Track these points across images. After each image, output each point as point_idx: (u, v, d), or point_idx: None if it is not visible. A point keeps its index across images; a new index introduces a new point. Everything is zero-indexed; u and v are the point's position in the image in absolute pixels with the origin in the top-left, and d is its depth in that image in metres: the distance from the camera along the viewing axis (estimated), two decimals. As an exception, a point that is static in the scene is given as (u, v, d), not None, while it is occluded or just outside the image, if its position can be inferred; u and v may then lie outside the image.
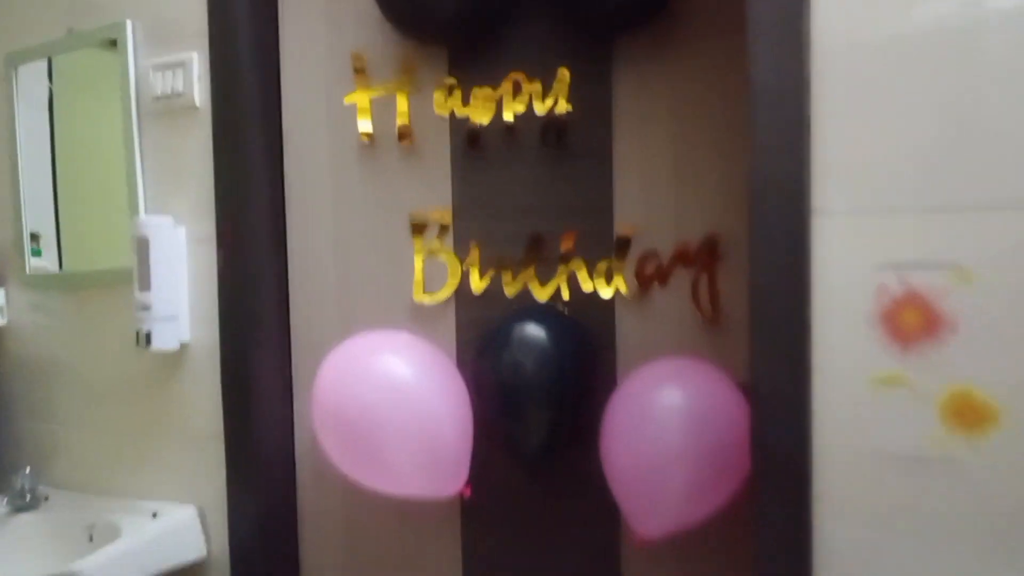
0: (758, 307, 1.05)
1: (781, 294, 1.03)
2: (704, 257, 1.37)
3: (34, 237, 1.80)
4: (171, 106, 1.55)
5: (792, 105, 1.02)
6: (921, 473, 0.97)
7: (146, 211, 1.59)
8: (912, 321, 0.96)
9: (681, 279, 1.38)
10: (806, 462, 1.02)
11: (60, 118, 1.77)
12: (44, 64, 1.75)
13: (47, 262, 1.79)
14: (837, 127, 1.00)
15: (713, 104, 1.34)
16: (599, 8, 1.39)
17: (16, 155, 1.78)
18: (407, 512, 1.53)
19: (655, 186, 1.39)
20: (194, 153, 1.53)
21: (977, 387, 0.94)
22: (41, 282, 1.79)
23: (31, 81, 1.77)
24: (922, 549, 0.98)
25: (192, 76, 1.52)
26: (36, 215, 1.79)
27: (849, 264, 1.00)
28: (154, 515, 1.58)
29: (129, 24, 1.59)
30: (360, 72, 1.52)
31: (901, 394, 0.97)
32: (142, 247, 1.51)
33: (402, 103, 1.51)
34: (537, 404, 1.39)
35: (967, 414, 0.95)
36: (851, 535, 1.01)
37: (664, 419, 1.28)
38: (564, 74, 1.42)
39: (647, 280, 1.40)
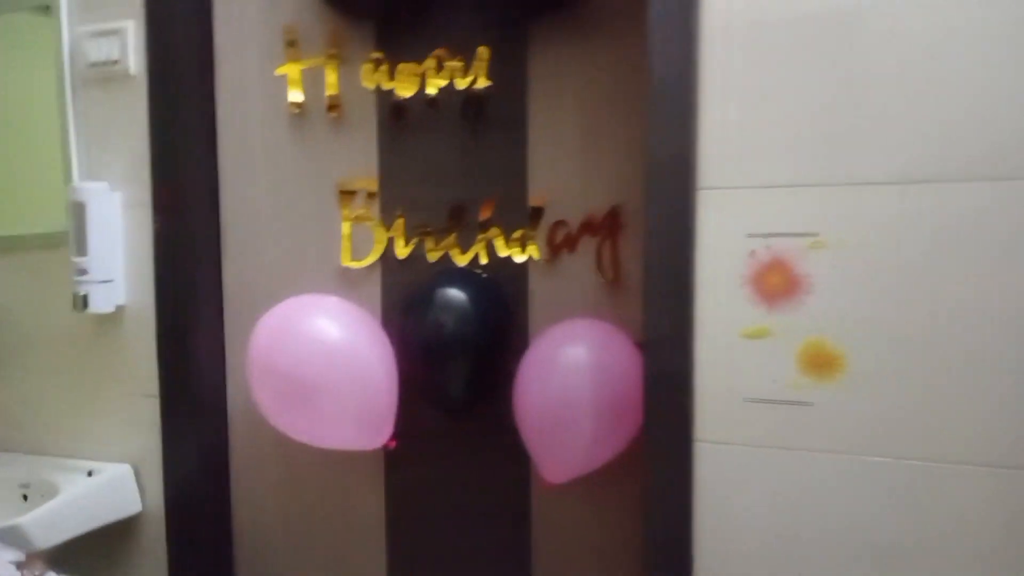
0: (650, 270, 1.19)
1: (670, 259, 1.17)
2: (608, 226, 1.50)
3: (-38, 200, 1.82)
4: (106, 73, 1.60)
5: (682, 93, 1.15)
6: (782, 411, 1.13)
7: (80, 177, 1.64)
8: (776, 282, 1.12)
9: (588, 246, 1.51)
10: (688, 402, 1.17)
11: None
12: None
13: (-24, 225, 1.82)
14: (720, 112, 1.14)
15: (618, 86, 1.47)
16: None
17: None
18: (336, 462, 1.64)
19: (565, 160, 1.52)
20: (129, 120, 1.59)
21: (828, 339, 1.10)
22: (-28, 244, 1.81)
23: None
24: (784, 475, 1.14)
25: (127, 44, 1.57)
26: (-36, 178, 1.81)
27: (726, 233, 1.14)
28: (89, 473, 1.64)
29: (62, -7, 1.63)
30: (292, 45, 1.60)
31: (765, 345, 1.13)
32: (78, 212, 1.56)
33: (331, 75, 1.59)
34: (457, 359, 1.51)
35: (819, 362, 1.11)
36: (725, 464, 1.17)
37: (569, 375, 1.41)
38: (483, 52, 1.52)
39: (557, 247, 1.53)
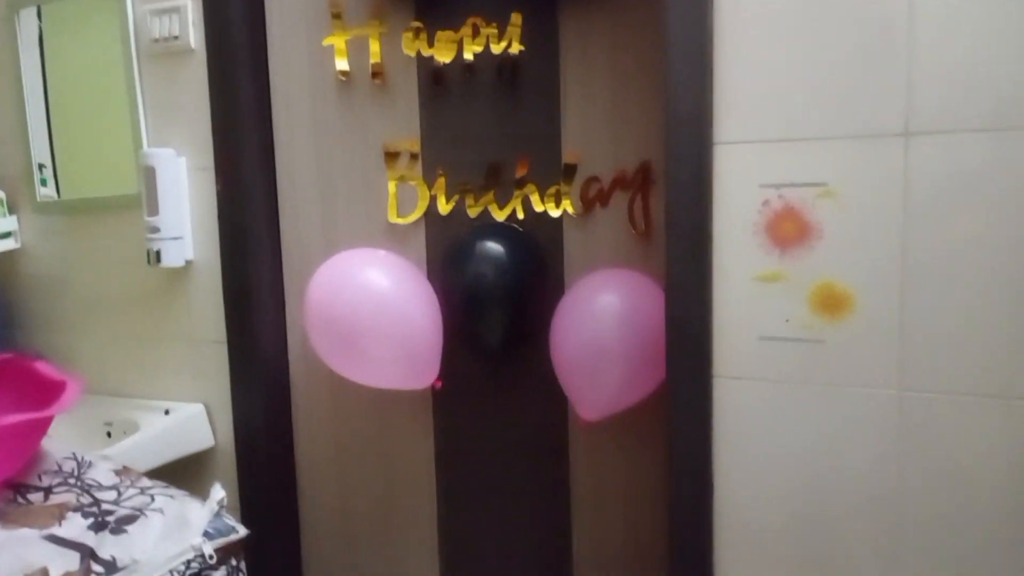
0: (671, 220, 1.29)
1: (689, 210, 1.27)
2: (638, 181, 1.59)
3: (41, 167, 1.97)
4: (168, 48, 1.73)
5: (698, 52, 1.23)
6: (795, 348, 1.23)
7: (149, 144, 1.79)
8: (789, 229, 1.21)
9: (619, 200, 1.61)
10: (708, 342, 1.28)
11: (52, 57, 1.92)
12: (35, 6, 1.90)
13: (51, 190, 1.97)
14: (734, 71, 1.22)
15: (646, 48, 1.55)
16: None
17: (22, 93, 1.94)
18: (387, 402, 1.79)
19: (597, 119, 1.61)
20: (191, 91, 1.72)
21: (838, 281, 1.20)
22: (50, 207, 1.97)
23: (30, 23, 1.93)
24: (797, 408, 1.25)
25: (187, 21, 1.70)
26: (39, 147, 1.96)
27: (741, 184, 1.23)
28: (166, 412, 1.81)
29: (126, -27, 1.75)
30: (337, 17, 1.70)
31: (779, 288, 1.23)
32: (149, 176, 1.71)
33: (374, 44, 1.70)
34: (496, 307, 1.63)
35: (830, 302, 1.20)
36: (741, 399, 1.27)
37: (601, 320, 1.52)
38: (516, 18, 1.61)
39: (590, 202, 1.63)
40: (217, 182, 1.72)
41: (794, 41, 1.18)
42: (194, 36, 1.70)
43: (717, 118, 1.24)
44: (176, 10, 1.70)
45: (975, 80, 1.09)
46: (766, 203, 1.22)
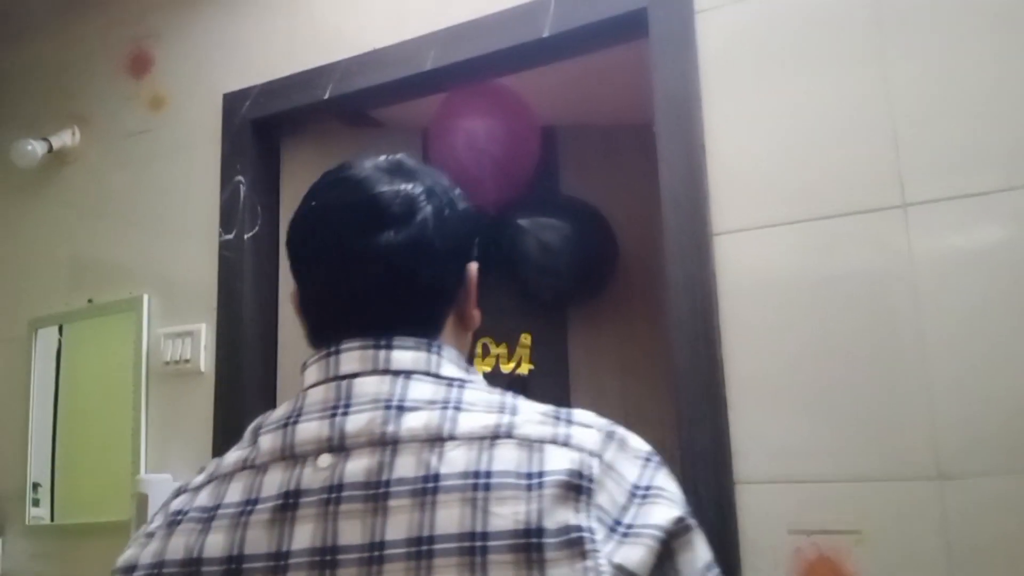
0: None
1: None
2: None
3: (36, 487, 1.91)
4: (179, 371, 1.74)
5: (706, 373, 1.21)
6: None
7: (147, 469, 1.73)
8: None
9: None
10: None
11: (66, 374, 1.94)
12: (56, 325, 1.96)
13: (43, 511, 1.89)
14: (751, 411, 1.19)
15: (654, 370, 1.54)
16: (553, 288, 1.63)
17: (29, 410, 1.93)
18: None
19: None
20: (196, 414, 1.70)
21: None
22: (38, 531, 1.88)
23: (48, 339, 1.97)
24: None
25: (199, 344, 1.72)
26: (37, 466, 1.92)
27: (767, 528, 1.15)
28: None
29: (146, 298, 1.81)
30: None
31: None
32: (141, 503, 1.63)
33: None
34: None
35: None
36: None
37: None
38: (526, 339, 1.63)
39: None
40: (213, 509, 1.64)
41: (811, 388, 1.16)
42: (204, 359, 1.72)
43: (734, 447, 1.18)
44: (190, 334, 1.73)
45: (1002, 419, 1.05)
46: (798, 551, 1.12)
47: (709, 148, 1.26)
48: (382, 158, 0.80)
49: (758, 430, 1.18)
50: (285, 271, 1.80)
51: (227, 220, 1.74)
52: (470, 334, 0.83)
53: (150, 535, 0.72)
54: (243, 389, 1.67)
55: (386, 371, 0.71)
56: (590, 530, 0.60)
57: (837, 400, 1.14)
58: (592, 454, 0.65)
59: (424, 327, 0.75)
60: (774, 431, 1.17)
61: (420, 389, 0.70)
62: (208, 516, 0.69)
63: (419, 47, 1.55)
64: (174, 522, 0.71)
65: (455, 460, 0.64)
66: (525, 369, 1.61)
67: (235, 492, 0.69)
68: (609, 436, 0.68)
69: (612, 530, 0.61)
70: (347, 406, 0.69)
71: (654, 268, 1.72)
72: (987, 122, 1.10)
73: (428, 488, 0.63)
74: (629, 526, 0.62)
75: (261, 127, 1.77)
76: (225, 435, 1.65)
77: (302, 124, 1.85)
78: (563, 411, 0.71)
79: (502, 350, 1.62)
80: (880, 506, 1.09)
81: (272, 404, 1.73)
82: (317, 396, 0.71)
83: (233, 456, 0.74)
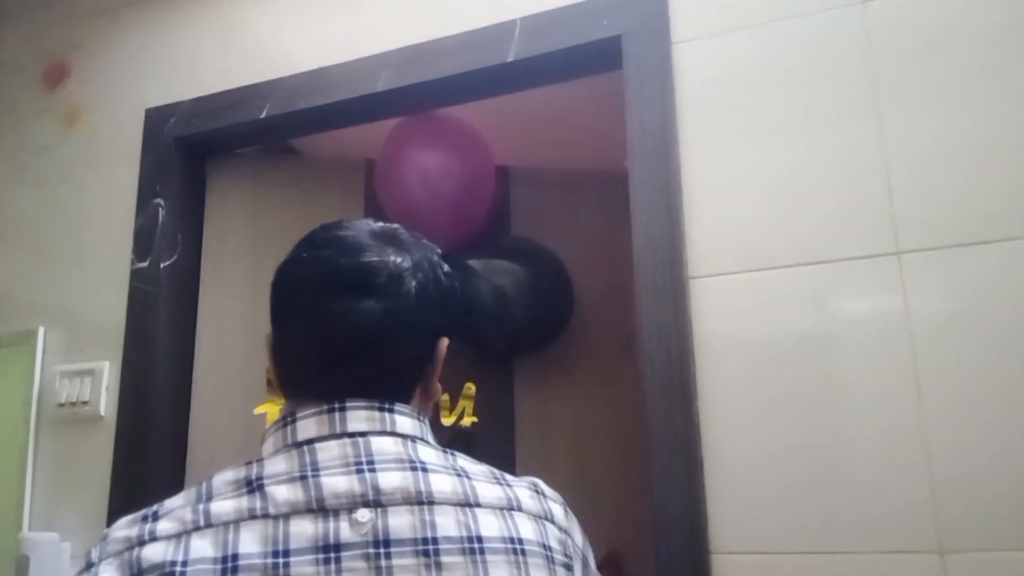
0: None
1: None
2: (608, 572, 1.38)
3: None
4: (75, 414, 1.52)
5: (683, 444, 1.10)
6: None
7: (30, 526, 1.50)
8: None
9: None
10: None
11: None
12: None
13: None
14: (723, 467, 1.08)
15: (608, 420, 1.43)
16: (503, 336, 1.51)
17: None
18: None
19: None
20: (92, 464, 1.49)
21: None
22: None
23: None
24: None
25: (101, 385, 1.51)
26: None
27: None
28: None
29: (41, 330, 1.60)
30: (272, 383, 1.55)
31: None
32: (21, 567, 1.41)
33: (312, 413, 1.54)
34: None
35: None
36: None
37: None
38: (470, 388, 1.50)
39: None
40: (106, 575, 1.42)
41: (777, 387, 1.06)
42: (106, 401, 1.51)
43: (711, 518, 1.07)
44: (90, 373, 1.53)
45: (1005, 488, 0.97)
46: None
47: (686, 187, 1.17)
48: (378, 224, 0.83)
49: (737, 495, 1.07)
50: (206, 306, 1.64)
51: (142, 247, 1.56)
52: (431, 403, 0.86)
53: None
54: (149, 437, 1.46)
55: (394, 433, 0.75)
56: None
57: (826, 463, 1.04)
58: (564, 531, 0.80)
59: (397, 395, 0.78)
60: (754, 496, 1.06)
61: (427, 453, 0.76)
62: (226, 567, 0.68)
63: (370, 67, 1.43)
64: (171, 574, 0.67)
65: (490, 525, 0.74)
66: (468, 421, 1.48)
67: (251, 542, 0.69)
68: (566, 511, 0.82)
69: None
70: (371, 463, 0.73)
71: (611, 320, 1.62)
72: (984, 170, 1.04)
73: (476, 548, 0.72)
74: None
75: (186, 147, 1.61)
76: (126, 489, 1.45)
77: (233, 147, 1.69)
78: (537, 484, 0.82)
79: (444, 399, 1.48)
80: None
81: (182, 455, 1.54)
82: (332, 451, 0.74)
83: (228, 505, 0.71)
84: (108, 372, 1.52)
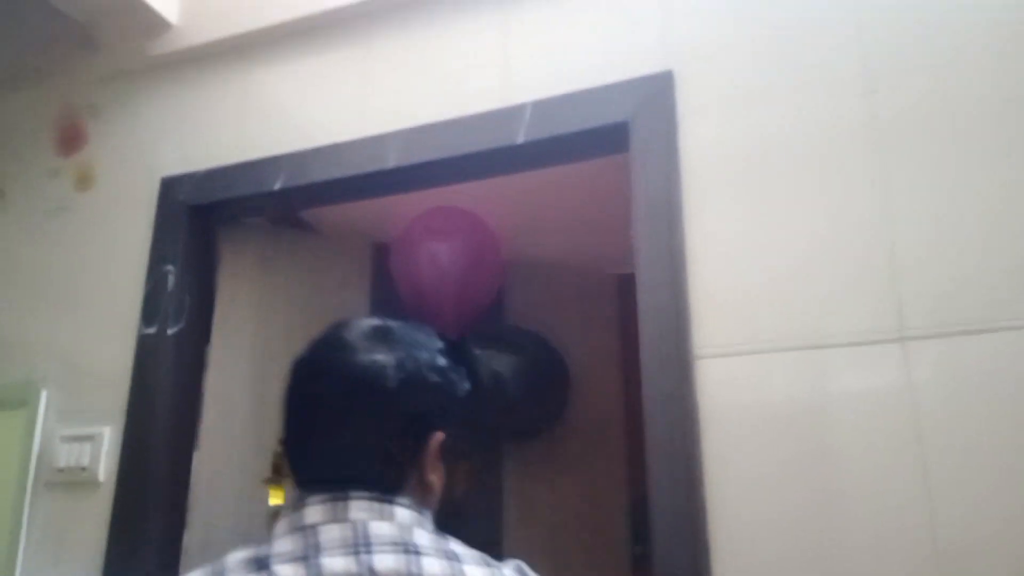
0: None
1: None
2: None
3: None
4: (72, 480, 1.51)
5: (685, 514, 1.09)
6: None
7: (22, 592, 1.48)
8: None
9: None
10: None
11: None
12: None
13: None
14: (733, 555, 1.07)
15: (592, 513, 1.42)
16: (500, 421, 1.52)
17: None
18: None
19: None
20: (87, 532, 1.46)
21: None
22: None
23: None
24: None
25: (100, 450, 1.50)
26: None
27: None
28: None
29: (44, 393, 1.60)
30: (277, 470, 1.55)
31: None
32: (8, 637, 1.38)
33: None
34: None
35: None
36: None
37: None
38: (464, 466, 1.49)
39: None
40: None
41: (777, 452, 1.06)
42: (104, 467, 1.50)
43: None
44: (91, 438, 1.52)
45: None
46: None
47: (691, 264, 1.19)
48: (374, 323, 0.90)
49: (741, 559, 1.06)
50: (212, 375, 1.65)
51: (150, 312, 1.57)
52: (433, 497, 0.89)
53: None
54: (146, 505, 1.45)
55: (392, 520, 0.81)
56: None
57: (836, 546, 1.03)
58: None
59: (392, 487, 0.84)
60: (759, 560, 1.05)
61: (421, 536, 0.81)
62: None
63: (382, 143, 1.47)
64: None
65: None
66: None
67: None
68: None
69: None
70: (367, 545, 0.79)
71: (604, 413, 1.64)
72: (991, 254, 1.06)
73: None
74: None
75: (199, 214, 1.63)
76: (120, 557, 1.42)
77: (246, 215, 1.72)
78: (521, 566, 0.86)
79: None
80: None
81: (180, 525, 1.52)
82: (333, 534, 0.80)
83: None
84: (108, 438, 1.51)
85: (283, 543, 0.80)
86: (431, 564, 0.79)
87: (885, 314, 1.08)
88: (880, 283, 1.10)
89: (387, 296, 1.97)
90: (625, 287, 1.91)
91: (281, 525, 0.83)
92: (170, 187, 1.66)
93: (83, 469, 1.51)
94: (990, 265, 1.05)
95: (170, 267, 1.60)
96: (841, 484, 1.05)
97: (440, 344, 0.90)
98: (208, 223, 1.67)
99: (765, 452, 1.09)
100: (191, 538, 1.51)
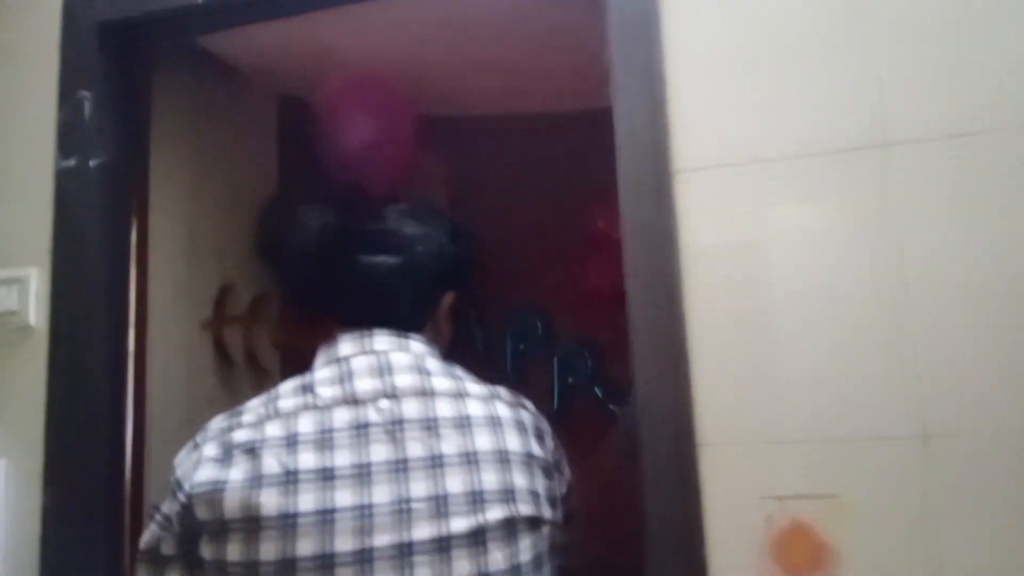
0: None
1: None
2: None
3: None
4: (2, 325, 1.39)
5: (666, 326, 1.08)
6: None
7: (-42, 446, 1.38)
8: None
9: None
10: None
11: None
12: None
13: None
14: (709, 360, 1.07)
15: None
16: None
17: None
18: None
19: None
20: (24, 379, 1.37)
21: None
22: None
23: None
24: None
25: (28, 292, 1.38)
26: None
27: (734, 493, 1.03)
28: None
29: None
30: (222, 303, 1.47)
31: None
32: (-49, 487, 1.30)
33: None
34: None
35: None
36: None
37: None
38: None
39: None
40: (45, 495, 1.33)
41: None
42: (35, 311, 1.39)
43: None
44: (17, 281, 1.39)
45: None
46: (768, 517, 1.02)
47: (670, 80, 1.13)
48: (404, 207, 1.17)
49: (722, 386, 1.06)
50: (152, 214, 1.54)
51: (66, 143, 1.42)
52: (442, 341, 1.17)
53: (219, 460, 0.97)
54: (87, 348, 1.36)
55: (408, 351, 1.07)
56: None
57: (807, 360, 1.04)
58: (534, 415, 1.13)
59: (411, 327, 1.11)
60: (741, 383, 1.05)
61: (432, 363, 1.07)
62: (289, 441, 0.97)
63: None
64: (251, 449, 0.96)
65: (476, 408, 1.04)
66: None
67: (307, 424, 0.98)
68: (538, 412, 1.13)
69: None
70: (390, 370, 1.04)
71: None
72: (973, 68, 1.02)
73: (465, 423, 1.02)
74: None
75: (111, 31, 1.45)
76: (64, 406, 1.34)
77: (168, 40, 1.56)
78: (515, 392, 1.13)
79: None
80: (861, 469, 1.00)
81: (123, 368, 1.43)
82: (363, 363, 1.04)
83: (290, 402, 1.01)
84: (35, 279, 1.39)
85: (323, 372, 1.04)
86: (440, 381, 1.04)
87: (867, 123, 1.04)
88: (865, 93, 1.05)
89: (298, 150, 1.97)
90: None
91: (320, 358, 1.06)
92: (75, 3, 1.47)
93: (12, 314, 1.39)
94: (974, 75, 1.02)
95: (85, 92, 1.43)
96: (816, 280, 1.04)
97: (449, 224, 1.17)
98: (125, 43, 1.49)
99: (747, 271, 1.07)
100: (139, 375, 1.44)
